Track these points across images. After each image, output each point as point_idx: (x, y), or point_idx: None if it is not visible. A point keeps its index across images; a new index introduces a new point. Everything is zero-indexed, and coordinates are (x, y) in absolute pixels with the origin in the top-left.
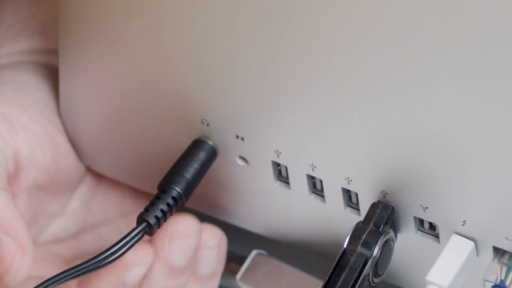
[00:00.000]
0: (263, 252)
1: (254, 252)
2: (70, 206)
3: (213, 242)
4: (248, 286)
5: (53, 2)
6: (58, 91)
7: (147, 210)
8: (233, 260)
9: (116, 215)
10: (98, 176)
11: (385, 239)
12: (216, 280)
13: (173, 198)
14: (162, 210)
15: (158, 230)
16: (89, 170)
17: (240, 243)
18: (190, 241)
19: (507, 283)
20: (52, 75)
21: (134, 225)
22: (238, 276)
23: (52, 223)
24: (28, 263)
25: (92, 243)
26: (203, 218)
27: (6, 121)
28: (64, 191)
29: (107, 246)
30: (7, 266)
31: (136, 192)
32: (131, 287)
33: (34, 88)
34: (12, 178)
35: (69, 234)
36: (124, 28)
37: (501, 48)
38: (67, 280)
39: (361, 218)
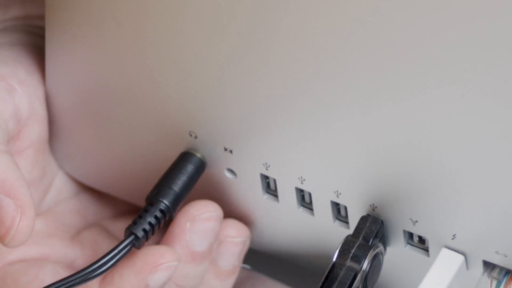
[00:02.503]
0: (247, 266)
1: None
2: None
3: (239, 240)
4: None
5: None
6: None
7: (135, 223)
8: None
9: None
10: None
11: (374, 253)
12: (235, 277)
13: (161, 210)
14: (150, 223)
15: (178, 214)
16: None
17: None
18: (211, 225)
19: None
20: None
21: None
22: None
23: (56, 177)
24: (29, 224)
25: (90, 205)
26: None
27: (1, 79)
28: None
29: (106, 210)
30: (6, 227)
31: None
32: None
33: (28, 44)
34: (15, 136)
35: (71, 191)
36: (111, 39)
37: (487, 68)
38: None
39: (350, 231)
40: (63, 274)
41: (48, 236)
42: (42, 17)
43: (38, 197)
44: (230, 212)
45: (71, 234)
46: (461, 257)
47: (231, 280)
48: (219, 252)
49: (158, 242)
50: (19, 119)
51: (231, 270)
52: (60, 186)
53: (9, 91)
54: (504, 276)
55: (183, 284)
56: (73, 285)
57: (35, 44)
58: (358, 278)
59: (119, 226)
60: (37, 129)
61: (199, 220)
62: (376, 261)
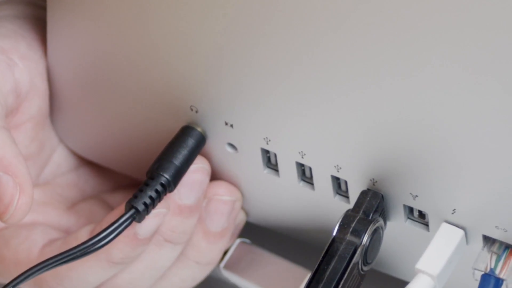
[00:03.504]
0: (247, 240)
1: (238, 241)
2: None
3: (228, 198)
4: (231, 274)
5: None
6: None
7: (135, 196)
8: None
9: None
10: None
11: (374, 227)
12: (224, 242)
13: (162, 184)
14: (150, 197)
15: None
16: None
17: None
18: (198, 176)
19: (497, 271)
20: None
21: None
22: (222, 264)
23: (55, 152)
24: (28, 201)
25: (89, 178)
26: None
27: (2, 53)
28: None
29: (104, 184)
30: (5, 204)
31: None
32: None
33: (31, 17)
34: (14, 110)
35: (70, 165)
36: (113, 11)
37: (487, 36)
38: (55, 266)
39: (351, 206)
40: (55, 235)
41: (43, 204)
42: None
43: (36, 171)
44: None
45: (67, 205)
46: (461, 232)
47: (220, 245)
48: (208, 210)
49: None
50: (19, 93)
51: (219, 232)
52: (58, 160)
53: (10, 65)
54: (504, 250)
55: (171, 239)
56: (73, 258)
57: (38, 17)
58: (358, 252)
59: (118, 199)
60: (37, 103)
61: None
62: (376, 236)
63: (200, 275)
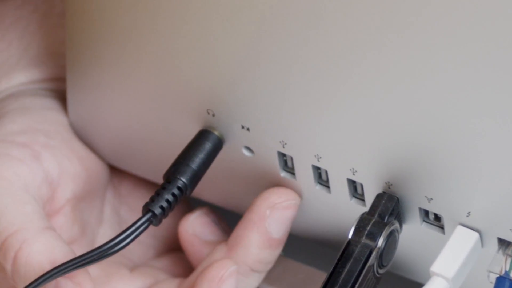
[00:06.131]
0: (281, 253)
1: None
2: (105, 213)
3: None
4: (263, 284)
5: (47, 34)
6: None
7: (152, 200)
8: None
9: None
10: (118, 184)
11: (389, 230)
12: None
13: (179, 188)
14: (167, 200)
15: (257, 200)
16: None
17: None
18: (290, 213)
19: None
20: (52, 94)
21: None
22: None
23: (98, 234)
24: None
25: (135, 250)
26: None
27: (24, 147)
28: (97, 198)
29: (147, 251)
30: None
31: None
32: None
33: (39, 106)
34: (50, 198)
35: None
36: (131, 19)
37: (504, 40)
38: (71, 270)
39: (366, 209)
40: None
41: (107, 276)
42: (46, 81)
43: (84, 252)
44: (248, 189)
45: (129, 267)
46: (476, 235)
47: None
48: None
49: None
50: (51, 181)
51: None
52: (103, 241)
53: (35, 156)
54: None
55: (257, 268)
56: (91, 261)
57: (46, 108)
58: (373, 255)
59: (166, 262)
60: (70, 186)
61: (278, 208)
62: (392, 239)
63: (259, 282)
